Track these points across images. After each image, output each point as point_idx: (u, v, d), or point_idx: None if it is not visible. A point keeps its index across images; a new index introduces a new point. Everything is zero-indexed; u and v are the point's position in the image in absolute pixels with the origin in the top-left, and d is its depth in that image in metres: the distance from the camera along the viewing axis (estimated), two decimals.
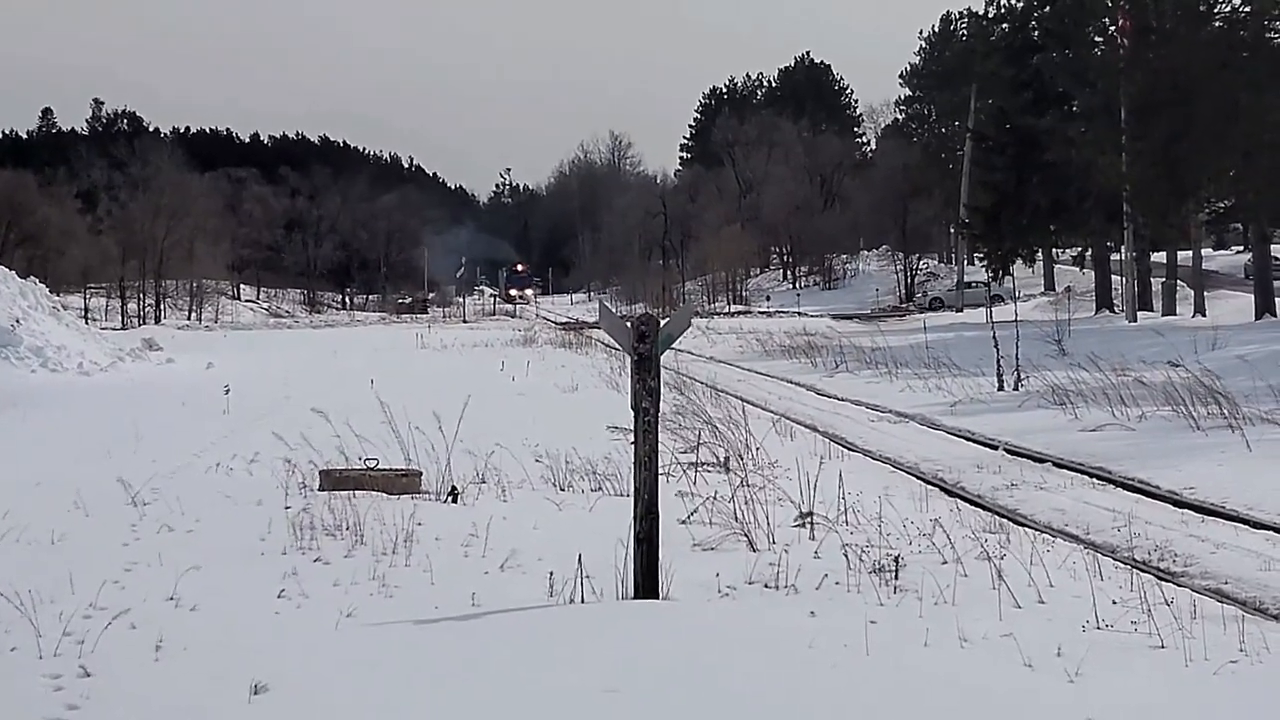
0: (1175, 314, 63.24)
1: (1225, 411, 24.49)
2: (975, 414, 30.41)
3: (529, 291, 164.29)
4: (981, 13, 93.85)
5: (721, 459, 21.49)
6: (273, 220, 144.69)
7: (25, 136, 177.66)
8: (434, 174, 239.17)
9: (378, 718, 8.70)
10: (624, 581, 11.90)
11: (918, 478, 21.79)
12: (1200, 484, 19.21)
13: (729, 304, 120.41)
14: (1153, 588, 12.40)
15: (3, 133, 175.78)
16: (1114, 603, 11.83)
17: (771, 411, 31.39)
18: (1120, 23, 57.53)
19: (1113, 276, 74.29)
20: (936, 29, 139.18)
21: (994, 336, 35.90)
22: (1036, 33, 77.68)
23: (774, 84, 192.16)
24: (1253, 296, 58.58)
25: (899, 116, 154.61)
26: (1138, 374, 31.36)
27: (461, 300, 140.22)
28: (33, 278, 54.20)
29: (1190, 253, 69.08)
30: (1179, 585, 13.28)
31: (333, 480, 17.99)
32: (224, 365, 46.52)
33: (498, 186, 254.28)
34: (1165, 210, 57.25)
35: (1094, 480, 20.81)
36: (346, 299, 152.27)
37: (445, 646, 10.24)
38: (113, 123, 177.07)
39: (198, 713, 8.73)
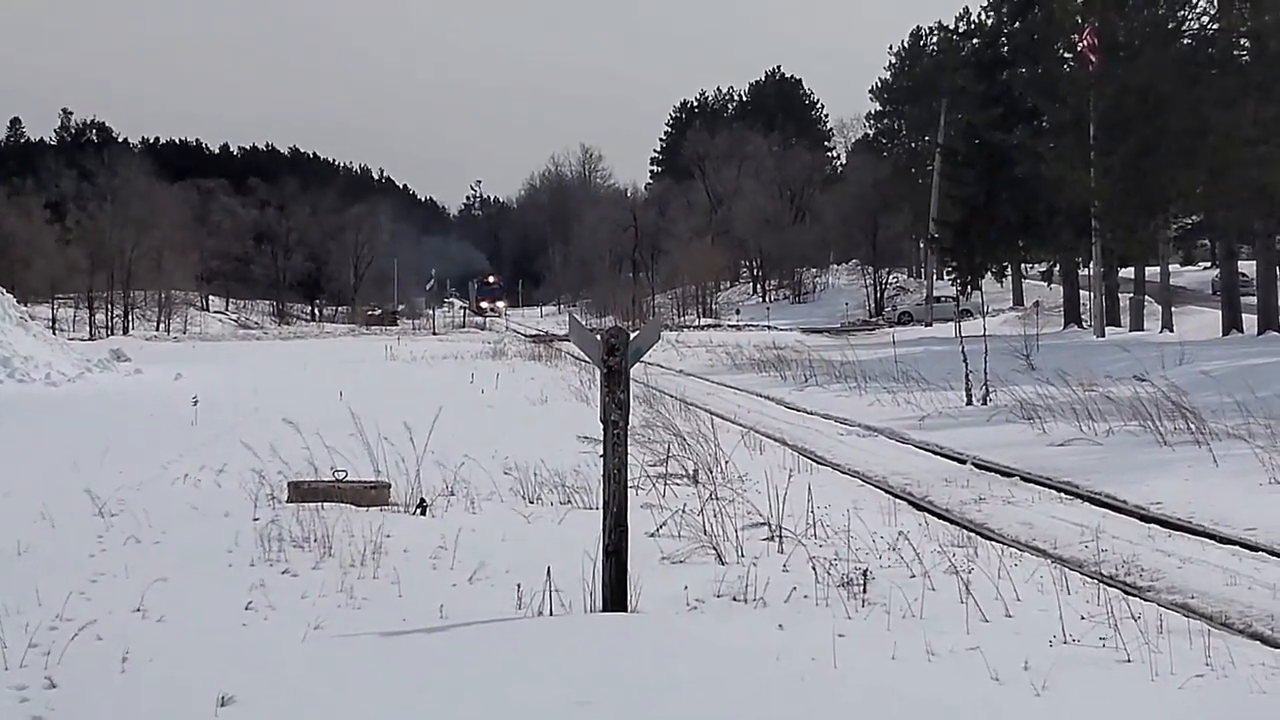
0: (1143, 329, 63.54)
1: (1192, 427, 24.56)
2: (944, 428, 30.46)
3: (500, 304, 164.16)
4: (951, 28, 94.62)
5: (690, 472, 21.47)
6: (242, 231, 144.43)
7: None
8: (404, 186, 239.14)
9: None
10: (592, 594, 11.90)
11: (886, 491, 21.80)
12: (1167, 499, 19.27)
13: (699, 317, 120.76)
14: (1120, 602, 12.42)
15: None
16: (1081, 617, 11.84)
17: (741, 425, 31.41)
18: (1089, 39, 57.72)
19: (1081, 292, 74.59)
20: (906, 44, 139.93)
21: (963, 351, 35.97)
22: (1006, 48, 78.07)
23: (744, 98, 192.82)
24: (1220, 312, 58.84)
25: (869, 131, 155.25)
26: (1105, 389, 31.43)
27: (431, 312, 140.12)
28: None
29: (1158, 268, 69.39)
30: (1146, 600, 13.31)
31: (301, 492, 17.95)
32: (192, 376, 46.37)
33: (468, 199, 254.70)
34: (1133, 226, 57.47)
35: (1061, 495, 20.85)
36: (315, 311, 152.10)
37: (413, 658, 10.23)
38: (81, 133, 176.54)
39: None
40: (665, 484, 20.01)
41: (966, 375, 35.19)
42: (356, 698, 9.23)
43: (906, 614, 11.79)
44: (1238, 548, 15.89)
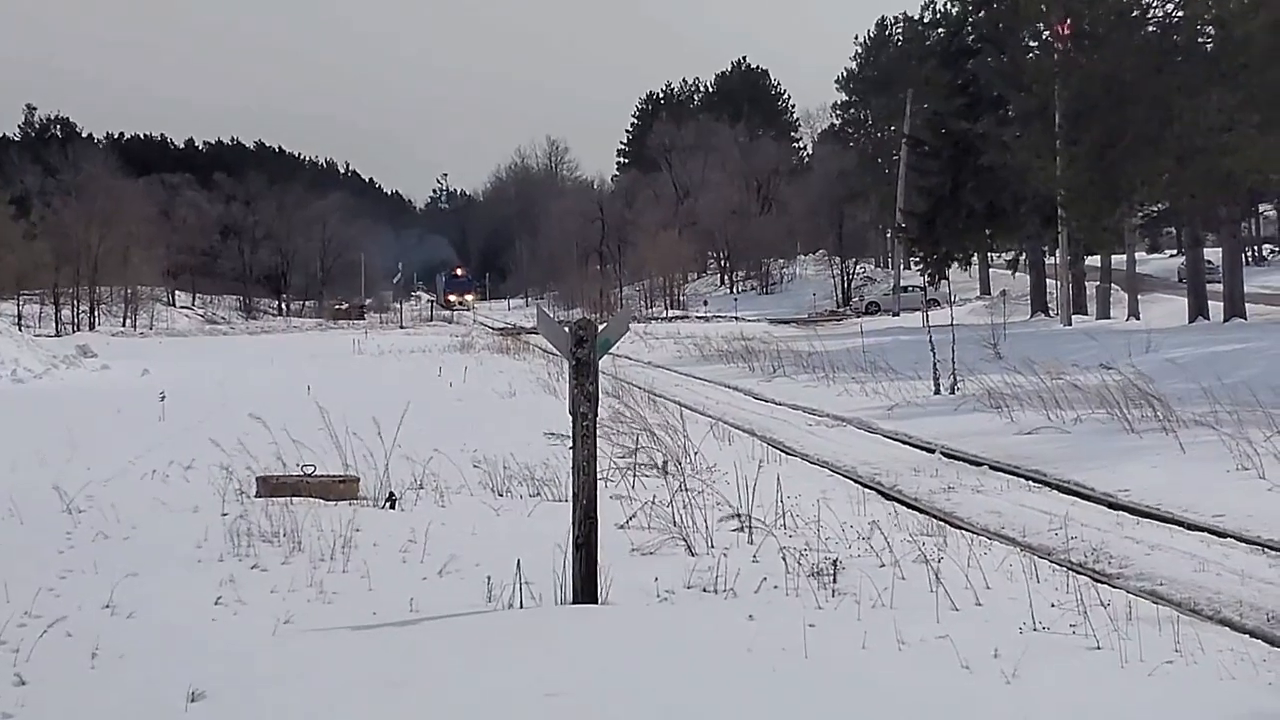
0: (1110, 318, 63.71)
1: (1159, 414, 24.60)
2: (912, 418, 30.49)
3: (469, 296, 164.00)
4: (917, 18, 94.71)
5: (660, 464, 21.48)
6: (207, 226, 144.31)
7: None
8: (370, 179, 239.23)
9: None
10: (563, 586, 11.90)
11: (855, 481, 21.80)
12: (1135, 486, 19.30)
13: (666, 309, 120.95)
14: (1089, 589, 12.45)
15: None
16: (1051, 605, 11.86)
17: (709, 416, 31.44)
18: (1054, 27, 57.78)
19: (1048, 280, 74.76)
20: (872, 34, 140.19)
21: (930, 340, 36.00)
22: (971, 37, 78.13)
23: (711, 89, 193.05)
24: (1187, 299, 59.02)
25: (835, 121, 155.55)
26: (1072, 377, 31.46)
27: (399, 306, 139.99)
28: None
29: (1125, 256, 69.56)
30: (1115, 587, 13.33)
31: (270, 487, 17.92)
32: (159, 372, 46.31)
33: (434, 192, 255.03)
34: (1099, 214, 57.45)
35: (1030, 483, 20.86)
36: (282, 305, 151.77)
37: (383, 652, 10.21)
38: (45, 128, 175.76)
39: None
40: (635, 476, 20.02)
41: (934, 364, 35.22)
42: (327, 692, 9.21)
43: (877, 603, 11.81)
44: (1206, 534, 15.92)
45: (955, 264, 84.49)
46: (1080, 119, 53.60)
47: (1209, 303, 56.94)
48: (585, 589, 11.67)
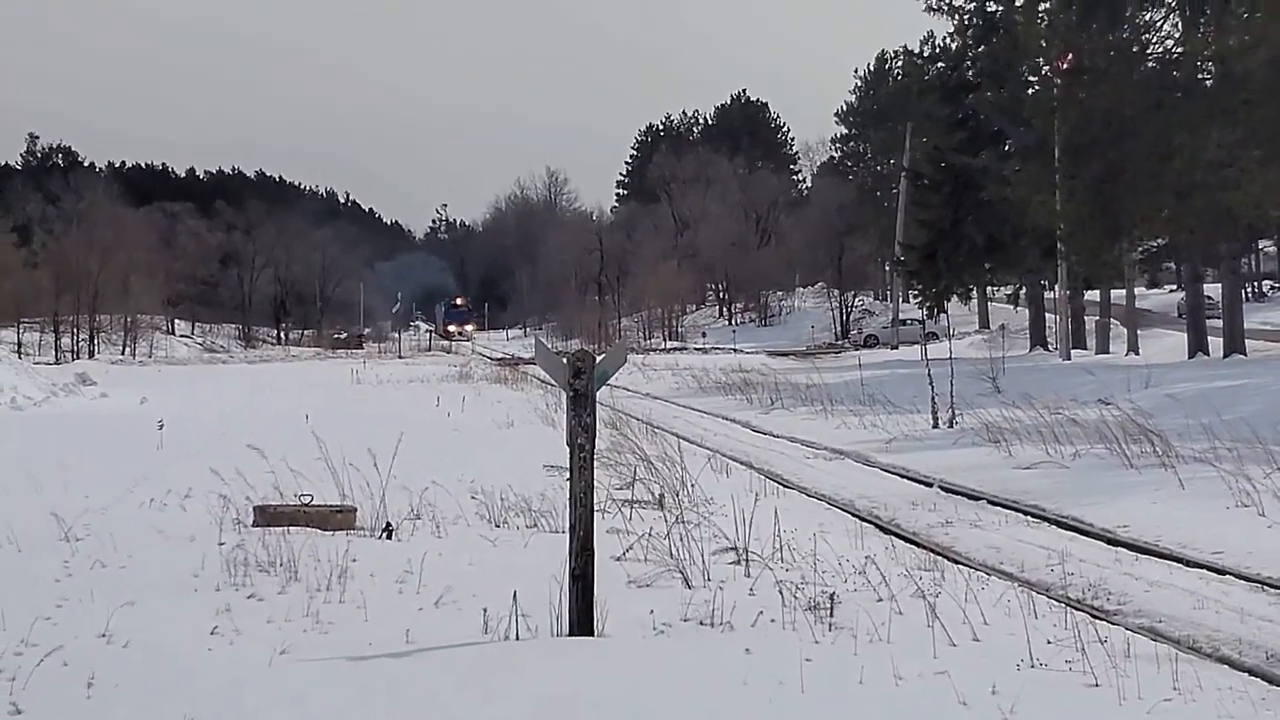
0: (1109, 352, 63.72)
1: (1158, 450, 24.57)
2: (910, 451, 30.48)
3: (469, 327, 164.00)
4: (917, 51, 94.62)
5: (657, 496, 21.46)
6: (208, 255, 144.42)
7: None
8: (370, 209, 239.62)
9: None
10: (559, 618, 11.87)
11: (853, 515, 21.78)
12: (1134, 522, 19.28)
13: (665, 340, 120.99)
14: (1087, 626, 12.41)
15: None
16: (1048, 641, 11.84)
17: (707, 448, 31.41)
18: (1054, 62, 57.90)
19: (1047, 314, 74.75)
20: (872, 67, 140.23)
21: (929, 374, 36.00)
22: (971, 72, 78.13)
23: (710, 121, 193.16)
24: (1186, 335, 59.01)
25: (835, 154, 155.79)
26: (1071, 412, 31.46)
27: (397, 336, 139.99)
28: None
29: (1124, 291, 69.60)
30: (1113, 624, 13.30)
31: (267, 516, 17.89)
32: (158, 400, 46.27)
33: (434, 222, 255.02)
34: (1099, 249, 57.49)
35: (1028, 518, 20.86)
36: (282, 334, 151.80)
37: (379, 683, 10.18)
38: (48, 157, 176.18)
39: None
40: (632, 507, 19.98)
41: (933, 398, 35.23)
42: None
43: (873, 638, 11.78)
44: (1205, 571, 15.91)
45: (954, 298, 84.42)
46: (1080, 154, 53.66)
47: (1209, 338, 56.88)
48: (581, 621, 11.64)
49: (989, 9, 73.93)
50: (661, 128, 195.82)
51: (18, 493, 21.94)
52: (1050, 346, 70.58)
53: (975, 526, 20.08)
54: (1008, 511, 21.52)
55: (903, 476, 26.78)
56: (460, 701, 9.68)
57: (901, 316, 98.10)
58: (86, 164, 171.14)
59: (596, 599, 11.75)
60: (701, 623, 12.53)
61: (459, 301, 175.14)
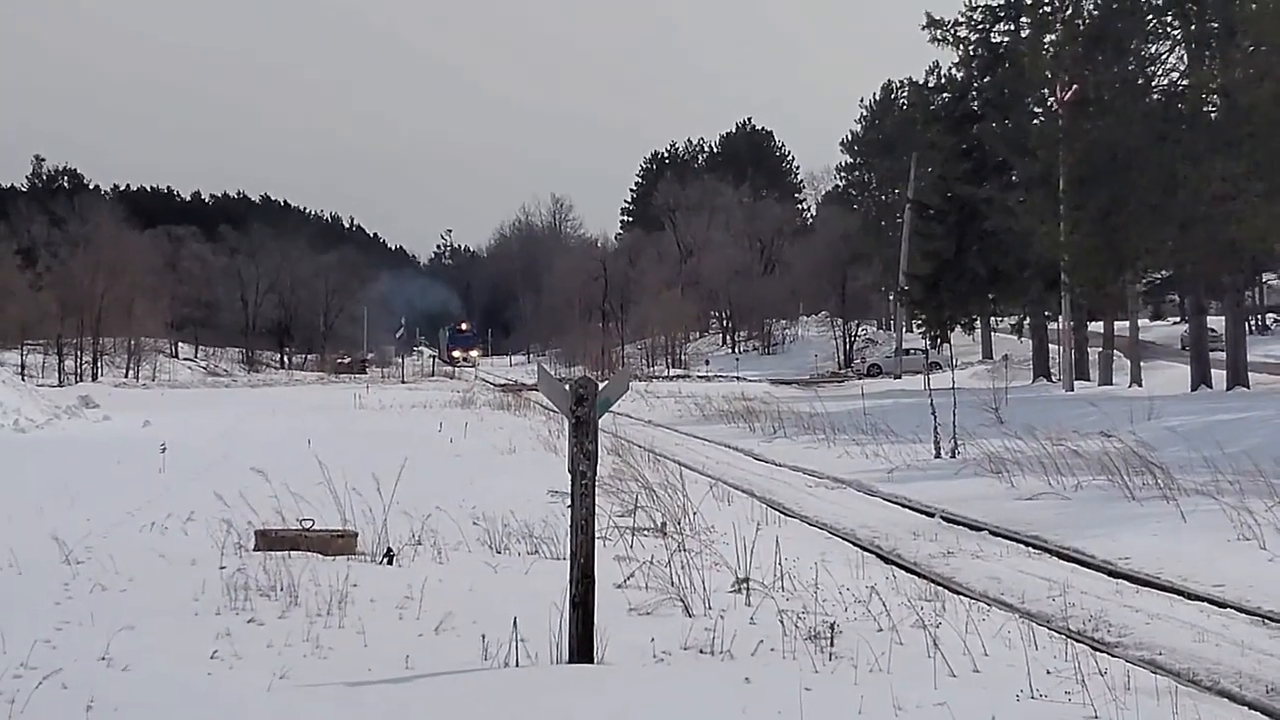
0: (1112, 384, 63.63)
1: (1160, 482, 24.57)
2: (912, 481, 30.46)
3: (474, 353, 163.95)
4: (922, 82, 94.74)
5: (658, 523, 21.44)
6: (212, 278, 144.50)
7: None
8: (374, 234, 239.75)
9: None
10: (559, 645, 11.86)
11: (854, 544, 21.77)
12: (1135, 554, 19.26)
13: (668, 368, 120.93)
14: (1087, 658, 12.40)
15: None
16: (1048, 672, 11.82)
17: (709, 476, 31.38)
18: (1059, 94, 58.02)
19: (1050, 345, 74.73)
20: (877, 97, 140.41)
21: (931, 404, 36.02)
22: (976, 102, 78.17)
23: (715, 149, 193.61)
24: (1189, 367, 58.95)
25: (839, 183, 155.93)
26: (1074, 444, 31.45)
27: (400, 360, 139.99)
28: None
29: (1128, 323, 69.55)
30: (1113, 656, 13.28)
31: (268, 540, 17.88)
32: (161, 424, 46.31)
33: (438, 248, 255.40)
34: (1102, 280, 57.54)
35: (1030, 549, 20.83)
36: (285, 358, 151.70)
37: (379, 709, 10.17)
38: (53, 179, 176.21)
39: None
40: (633, 535, 19.98)
41: (935, 428, 35.22)
42: None
43: (874, 668, 11.76)
44: (1206, 604, 15.89)
45: (958, 327, 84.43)
46: (1084, 185, 53.74)
47: (1212, 371, 56.84)
48: (582, 648, 11.63)
49: (994, 40, 74.17)
50: (666, 156, 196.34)
51: (19, 515, 21.95)
52: (1053, 377, 70.55)
53: (976, 557, 20.06)
54: (1009, 542, 21.49)
55: (905, 506, 26.76)
56: None
57: (905, 346, 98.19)
58: (92, 187, 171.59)
59: (597, 626, 11.74)
60: (701, 651, 12.51)
61: (463, 326, 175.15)
